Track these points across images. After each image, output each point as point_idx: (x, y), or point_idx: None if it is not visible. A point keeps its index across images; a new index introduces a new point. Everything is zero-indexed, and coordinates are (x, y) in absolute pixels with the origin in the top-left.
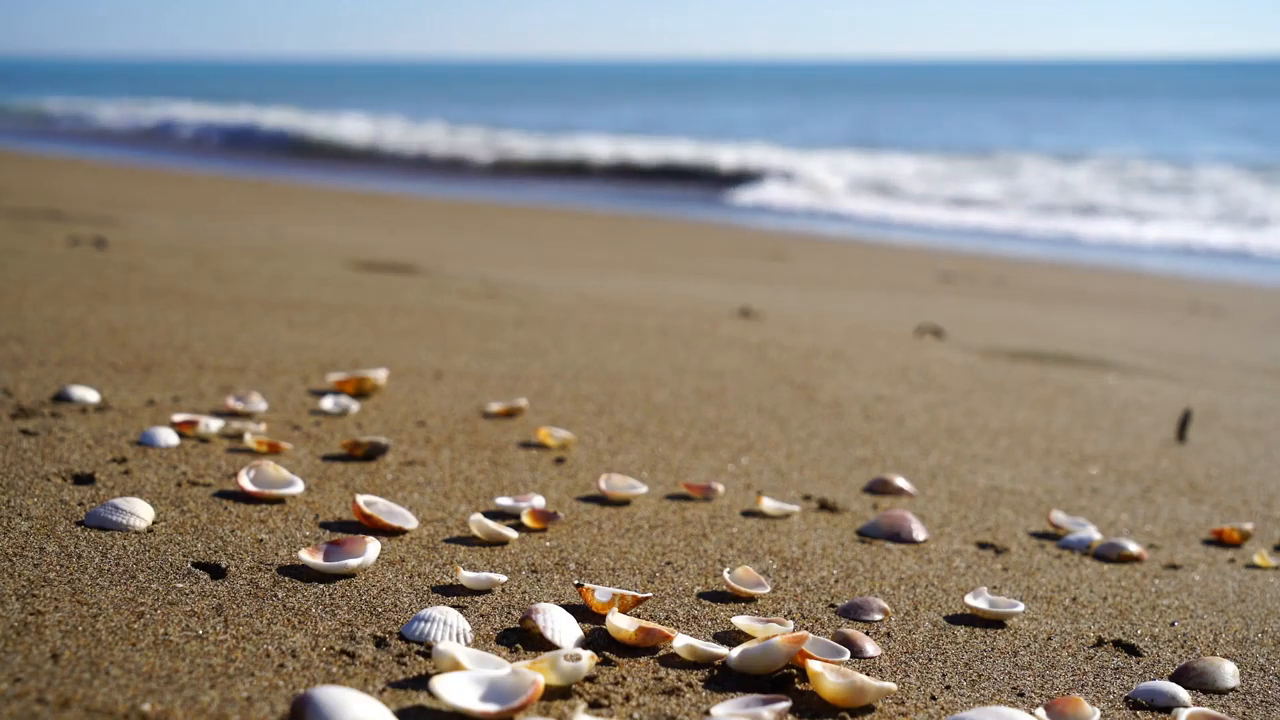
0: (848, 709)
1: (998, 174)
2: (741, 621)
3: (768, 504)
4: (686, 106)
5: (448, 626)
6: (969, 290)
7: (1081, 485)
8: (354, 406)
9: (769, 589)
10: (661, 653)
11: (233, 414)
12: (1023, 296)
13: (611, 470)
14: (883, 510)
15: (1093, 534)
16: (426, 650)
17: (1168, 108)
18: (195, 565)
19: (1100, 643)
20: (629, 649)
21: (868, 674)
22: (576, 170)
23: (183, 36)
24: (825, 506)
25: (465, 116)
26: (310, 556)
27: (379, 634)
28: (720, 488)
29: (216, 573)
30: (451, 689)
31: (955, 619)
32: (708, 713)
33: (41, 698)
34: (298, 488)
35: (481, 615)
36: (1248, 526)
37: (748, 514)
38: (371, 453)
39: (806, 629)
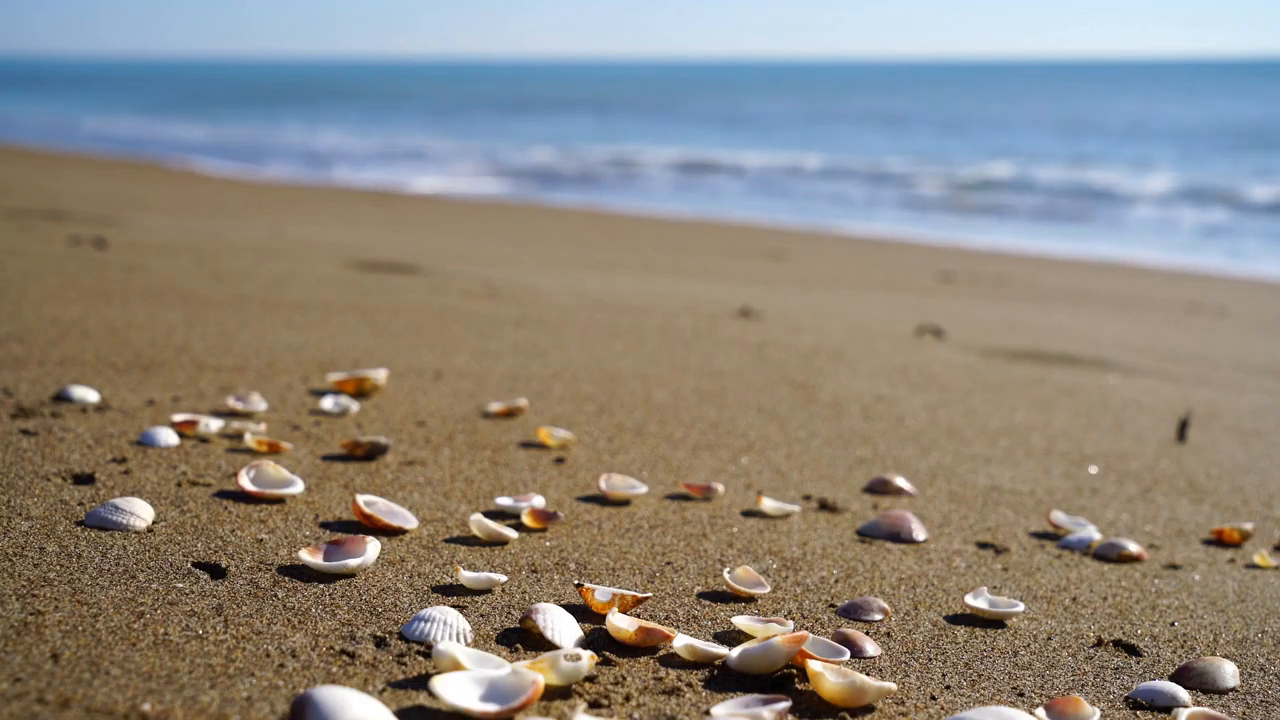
0: (848, 709)
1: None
2: (741, 621)
3: (768, 504)
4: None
5: (448, 626)
6: (969, 290)
7: (1081, 485)
8: (354, 406)
9: (769, 589)
10: (661, 653)
11: (233, 414)
12: (1023, 296)
13: (611, 470)
14: (883, 510)
15: (1093, 534)
16: (426, 650)
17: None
18: (195, 565)
19: (1100, 643)
20: (629, 649)
21: (868, 674)
22: None
23: (176, 38)
24: (825, 506)
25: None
26: (310, 556)
27: (379, 634)
28: (720, 488)
29: (216, 573)
30: (451, 689)
31: (955, 619)
32: (708, 713)
33: (41, 698)
34: (298, 488)
35: (481, 615)
36: (1248, 526)
37: (748, 514)
38: (371, 453)
39: (806, 629)
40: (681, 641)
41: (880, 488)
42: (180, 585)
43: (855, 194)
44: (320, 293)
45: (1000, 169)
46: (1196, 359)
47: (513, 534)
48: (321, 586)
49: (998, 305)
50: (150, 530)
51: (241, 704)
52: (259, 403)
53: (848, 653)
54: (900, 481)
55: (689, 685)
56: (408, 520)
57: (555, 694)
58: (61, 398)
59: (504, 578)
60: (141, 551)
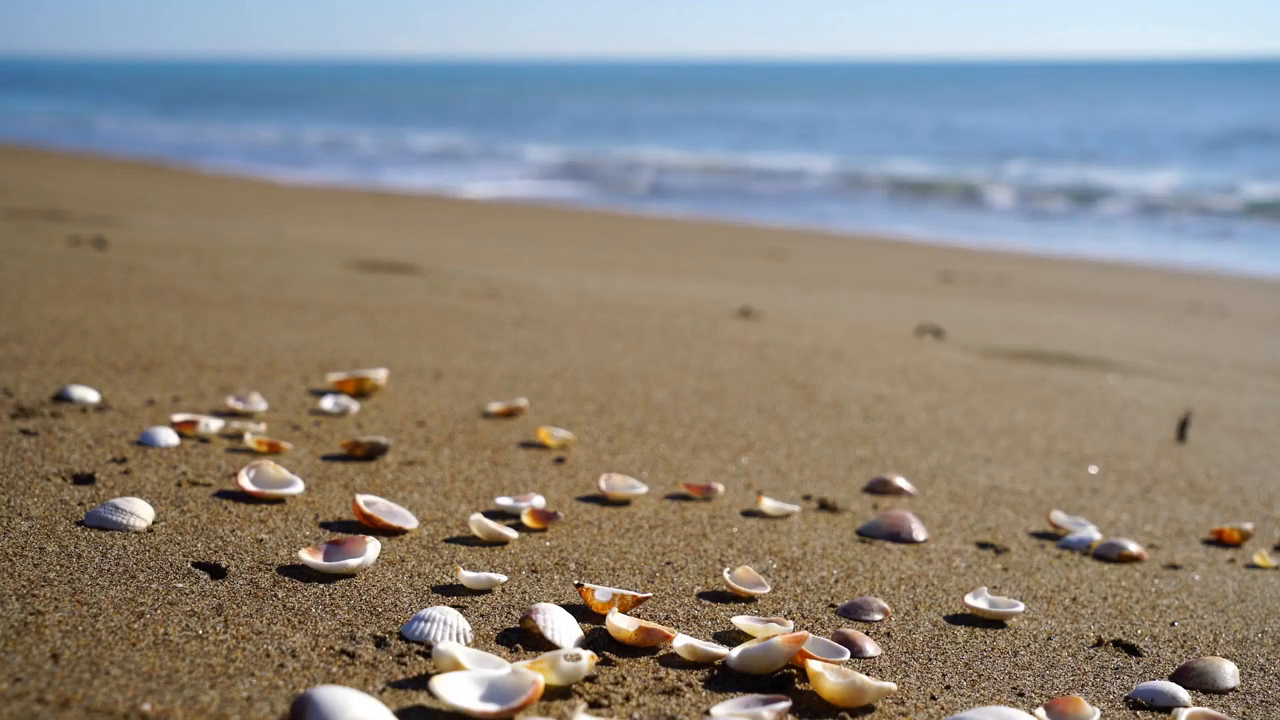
0: (848, 709)
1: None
2: (741, 621)
3: (768, 504)
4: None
5: (448, 626)
6: (969, 290)
7: (1081, 485)
8: (354, 406)
9: (769, 589)
10: (661, 653)
11: (233, 414)
12: (1023, 296)
13: (611, 470)
14: (883, 510)
15: (1093, 534)
16: (426, 650)
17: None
18: (195, 565)
19: (1100, 643)
20: (629, 649)
21: (868, 674)
22: None
23: (176, 38)
24: (825, 506)
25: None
26: (310, 556)
27: (379, 634)
28: (720, 488)
29: (216, 573)
30: (451, 689)
31: (955, 619)
32: (708, 713)
33: (41, 698)
34: (298, 488)
35: (481, 615)
36: (1248, 526)
37: (748, 514)
38: (371, 453)
39: (806, 629)
40: (681, 641)
41: (880, 488)
42: (180, 585)
43: (855, 194)
44: (320, 293)
45: (1001, 168)
46: (1196, 359)
47: (513, 534)
48: (321, 586)
49: (998, 305)
50: (150, 530)
51: (241, 704)
52: (259, 403)
53: (848, 653)
54: (900, 481)
55: (689, 685)
56: (408, 520)
57: (555, 694)
58: (61, 398)
59: (504, 578)
60: (141, 551)
